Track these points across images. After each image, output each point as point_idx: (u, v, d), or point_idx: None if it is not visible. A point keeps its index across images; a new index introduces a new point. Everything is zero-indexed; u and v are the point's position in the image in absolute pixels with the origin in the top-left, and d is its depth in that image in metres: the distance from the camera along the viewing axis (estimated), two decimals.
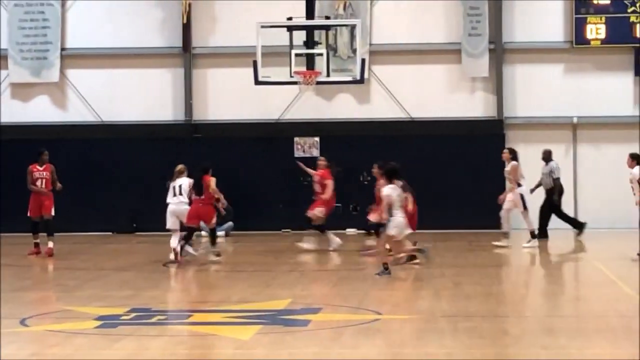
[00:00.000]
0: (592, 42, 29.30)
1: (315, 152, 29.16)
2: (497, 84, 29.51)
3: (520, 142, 29.10)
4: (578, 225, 26.74)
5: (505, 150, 24.83)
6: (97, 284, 19.04)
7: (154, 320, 15.08)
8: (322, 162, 24.34)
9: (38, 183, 22.91)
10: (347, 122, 29.40)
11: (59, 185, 22.92)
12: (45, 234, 23.04)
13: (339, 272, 20.72)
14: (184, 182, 21.37)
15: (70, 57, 30.05)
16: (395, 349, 12.82)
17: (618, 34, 29.18)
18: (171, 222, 21.46)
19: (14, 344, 13.74)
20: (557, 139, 29.49)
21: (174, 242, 21.20)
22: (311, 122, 29.52)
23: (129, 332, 14.13)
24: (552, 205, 26.33)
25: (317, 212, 23.51)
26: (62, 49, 29.94)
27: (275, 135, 28.81)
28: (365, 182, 27.36)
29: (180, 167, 21.97)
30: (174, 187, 21.44)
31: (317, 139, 29.49)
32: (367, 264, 21.32)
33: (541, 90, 29.56)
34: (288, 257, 23.23)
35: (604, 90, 29.36)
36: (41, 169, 22.95)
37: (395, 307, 16.11)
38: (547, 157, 26.86)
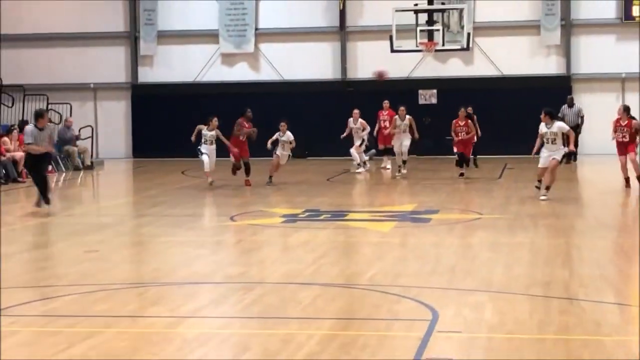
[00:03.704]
0: (636, 19, 28.38)
1: (434, 100, 28.99)
2: (566, 50, 28.81)
3: (583, 92, 28.59)
4: (574, 156, 25.09)
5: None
6: (282, 193, 19.29)
7: (321, 218, 15.23)
8: (386, 104, 23.95)
9: (241, 137, 20.15)
10: (456, 78, 29.02)
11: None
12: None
13: (451, 185, 20.56)
14: None
15: (262, 35, 30.20)
16: (492, 239, 12.73)
17: None
18: None
19: (226, 234, 14.05)
20: (610, 89, 28.76)
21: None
22: (431, 79, 29.21)
23: (304, 226, 14.32)
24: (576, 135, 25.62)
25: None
26: (256, 29, 30.14)
27: (404, 88, 28.59)
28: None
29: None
30: None
31: (435, 90, 29.23)
32: (471, 179, 21.14)
33: (599, 54, 28.75)
34: (414, 174, 23.08)
35: None
36: (247, 125, 20.24)
37: (493, 209, 15.96)
38: (571, 102, 26.48)
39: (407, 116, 22.38)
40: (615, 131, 18.55)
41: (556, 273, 10.15)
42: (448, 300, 8.83)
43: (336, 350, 7.05)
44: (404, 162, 22.19)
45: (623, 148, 18.39)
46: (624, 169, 18.37)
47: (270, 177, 20.42)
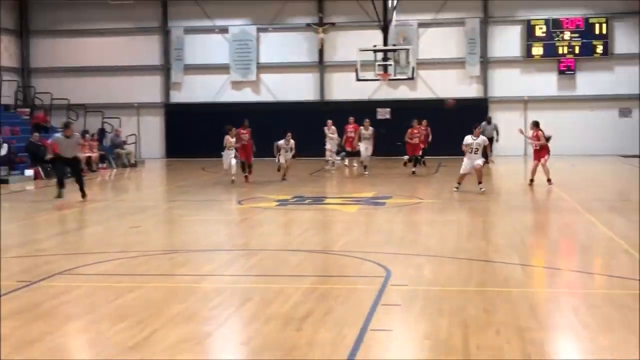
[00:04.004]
0: (535, 57, 28.52)
1: (388, 116, 29.01)
2: (483, 79, 28.94)
3: (497, 111, 28.70)
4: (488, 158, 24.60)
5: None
6: (276, 185, 19.20)
7: (306, 202, 15.21)
8: (351, 119, 23.04)
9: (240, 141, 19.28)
10: (404, 100, 29.07)
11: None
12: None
13: (401, 178, 20.58)
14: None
15: (262, 67, 30.09)
16: (430, 218, 12.77)
17: (549, 52, 28.38)
18: None
19: (235, 214, 13.99)
20: (516, 108, 28.91)
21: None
22: (385, 100, 29.24)
23: (293, 208, 14.29)
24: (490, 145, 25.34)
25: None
26: (258, 63, 30.01)
27: (366, 107, 28.57)
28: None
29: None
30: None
31: (389, 109, 29.24)
32: (418, 174, 21.14)
33: (508, 82, 28.94)
34: (373, 170, 23.05)
35: (541, 82, 28.65)
36: (244, 132, 19.66)
37: (431, 196, 16.00)
38: (489, 120, 26.35)
39: (371, 127, 22.27)
40: (532, 142, 17.84)
41: (476, 242, 10.19)
42: (398, 262, 8.84)
43: (316, 299, 7.06)
44: (365, 167, 21.61)
45: (536, 154, 17.63)
46: (534, 172, 17.68)
47: (284, 177, 19.80)
